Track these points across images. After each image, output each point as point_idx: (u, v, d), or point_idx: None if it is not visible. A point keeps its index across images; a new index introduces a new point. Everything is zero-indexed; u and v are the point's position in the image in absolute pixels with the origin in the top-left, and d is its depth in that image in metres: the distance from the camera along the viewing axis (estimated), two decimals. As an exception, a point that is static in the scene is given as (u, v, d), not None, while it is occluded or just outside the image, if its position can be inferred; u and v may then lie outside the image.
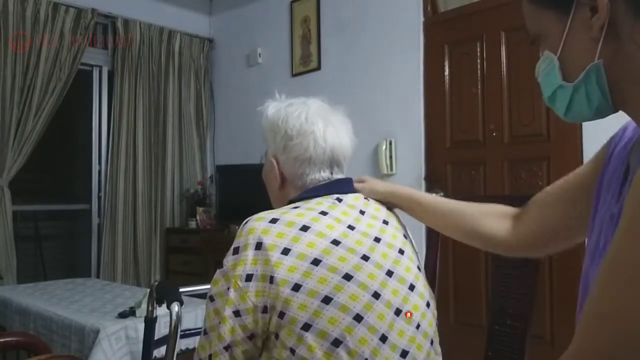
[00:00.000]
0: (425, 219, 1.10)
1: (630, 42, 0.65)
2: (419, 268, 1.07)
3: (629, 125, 0.79)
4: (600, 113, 0.72)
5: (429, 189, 3.31)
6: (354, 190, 1.11)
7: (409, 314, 0.99)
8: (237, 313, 0.94)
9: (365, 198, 1.12)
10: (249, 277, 0.94)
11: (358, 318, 0.92)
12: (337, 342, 0.90)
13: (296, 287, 0.91)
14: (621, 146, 0.77)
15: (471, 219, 1.01)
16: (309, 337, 0.90)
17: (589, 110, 0.71)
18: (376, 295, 0.95)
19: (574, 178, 0.90)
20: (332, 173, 1.10)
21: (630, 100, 0.68)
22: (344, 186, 1.10)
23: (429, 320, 1.03)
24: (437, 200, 1.08)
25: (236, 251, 0.97)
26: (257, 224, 0.98)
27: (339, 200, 1.06)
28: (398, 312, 0.97)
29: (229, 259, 0.98)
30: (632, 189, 0.54)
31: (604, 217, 0.72)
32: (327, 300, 0.91)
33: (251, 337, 0.96)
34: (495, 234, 0.98)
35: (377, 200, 1.13)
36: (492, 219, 0.99)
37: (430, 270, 1.34)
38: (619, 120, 0.78)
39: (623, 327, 0.50)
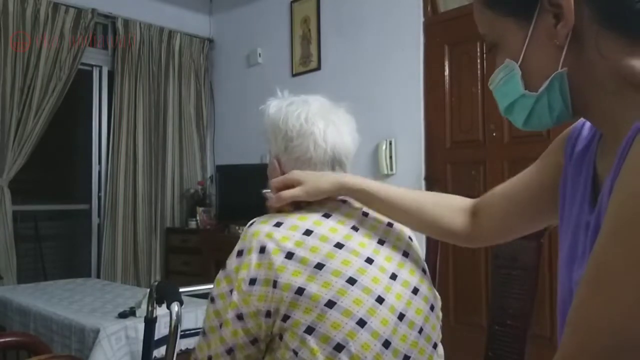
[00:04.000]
0: (382, 211, 1.05)
1: (593, 50, 0.64)
2: (424, 270, 1.06)
3: (584, 125, 0.78)
4: (560, 120, 0.71)
5: (429, 188, 3.31)
6: None
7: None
8: (240, 317, 0.94)
9: None
10: (252, 281, 0.93)
11: (361, 323, 0.91)
12: (339, 347, 0.89)
13: (300, 291, 0.91)
14: (580, 148, 0.76)
15: (430, 215, 1.00)
16: (312, 340, 0.89)
17: (549, 118, 0.70)
18: (380, 300, 0.94)
19: (527, 178, 0.90)
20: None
21: (591, 106, 0.68)
22: None
23: (432, 323, 1.02)
24: (392, 193, 1.02)
25: (240, 254, 0.97)
26: (261, 227, 0.97)
27: (343, 201, 1.05)
28: (401, 316, 0.96)
29: (232, 261, 0.97)
30: (616, 193, 0.54)
31: (577, 225, 0.71)
32: (330, 304, 0.90)
33: (254, 341, 0.95)
34: (455, 229, 0.99)
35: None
36: (450, 214, 1.00)
37: (430, 271, 1.33)
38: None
39: (612, 332, 0.50)
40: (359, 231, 1.01)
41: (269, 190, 1.06)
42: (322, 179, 1.02)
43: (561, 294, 0.73)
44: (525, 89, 0.70)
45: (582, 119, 0.78)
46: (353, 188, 1.02)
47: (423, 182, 3.36)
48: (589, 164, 0.73)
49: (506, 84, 0.72)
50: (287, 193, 1.01)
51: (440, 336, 1.05)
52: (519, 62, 0.69)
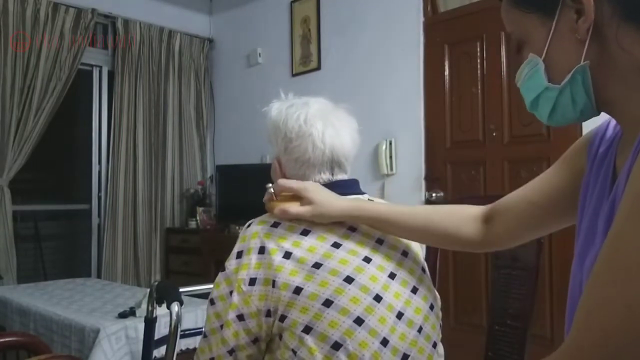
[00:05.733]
0: (396, 233, 1.04)
1: (614, 44, 0.66)
2: (423, 270, 1.07)
3: (608, 126, 0.79)
4: (584, 115, 0.72)
5: (429, 189, 3.32)
6: (356, 192, 1.10)
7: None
8: (240, 317, 0.94)
9: (369, 199, 1.10)
10: (252, 281, 0.94)
11: (359, 321, 0.91)
12: (337, 345, 0.90)
13: (297, 291, 0.91)
14: (603, 150, 0.77)
15: (444, 230, 0.99)
16: (310, 340, 0.90)
17: (573, 112, 0.71)
18: (377, 299, 0.94)
19: (547, 181, 0.90)
20: (332, 174, 1.09)
21: (614, 101, 0.69)
22: (345, 187, 1.08)
23: (432, 323, 1.02)
24: (404, 214, 1.00)
25: (239, 255, 0.97)
26: (260, 228, 0.98)
27: None
28: (400, 315, 0.96)
29: (231, 263, 0.98)
30: (633, 179, 0.55)
31: (594, 217, 0.72)
32: (327, 303, 0.91)
33: (255, 341, 0.96)
34: (467, 237, 0.98)
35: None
36: (461, 223, 0.98)
37: (430, 271, 1.33)
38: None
39: (628, 313, 0.50)
40: (356, 231, 1.01)
41: (271, 186, 1.05)
42: (333, 205, 0.99)
43: (572, 289, 0.74)
44: (549, 83, 0.71)
45: (604, 122, 0.79)
46: (363, 216, 1.00)
47: (423, 182, 3.36)
48: (610, 161, 0.74)
49: (531, 78, 0.74)
50: (293, 210, 0.99)
51: (440, 335, 1.05)
52: (543, 57, 0.71)
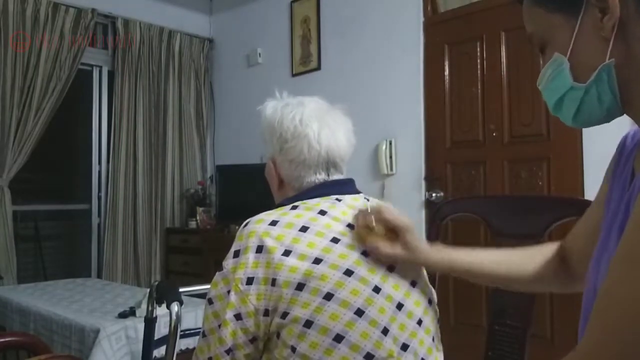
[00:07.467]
0: (488, 284, 1.06)
1: (638, 44, 0.65)
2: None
3: (627, 137, 0.79)
4: (610, 114, 0.71)
5: (429, 189, 3.32)
6: (353, 191, 1.10)
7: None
8: (238, 316, 0.94)
9: (365, 198, 1.11)
10: (249, 280, 0.94)
11: (359, 313, 0.92)
12: (338, 338, 0.90)
13: (299, 287, 0.92)
14: (623, 160, 0.77)
15: (538, 276, 0.96)
16: (311, 334, 0.90)
17: (600, 111, 0.70)
18: (376, 290, 0.95)
19: (593, 208, 0.88)
20: (328, 175, 1.09)
21: (636, 101, 0.68)
22: (342, 187, 1.09)
23: (431, 317, 1.03)
24: (489, 265, 0.98)
25: (236, 254, 0.97)
26: (257, 227, 0.98)
27: (338, 200, 1.06)
28: (400, 306, 0.97)
29: (229, 262, 0.98)
30: None
31: (612, 222, 0.72)
32: (328, 297, 0.91)
33: (253, 340, 0.96)
34: (558, 281, 0.96)
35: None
36: (549, 267, 0.95)
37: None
38: (619, 120, 0.78)
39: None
40: (353, 227, 1.02)
41: (370, 209, 0.98)
42: (428, 256, 0.99)
43: (586, 293, 0.73)
44: (575, 82, 0.70)
45: (624, 135, 0.79)
46: (457, 270, 1.01)
47: (423, 182, 3.36)
48: (629, 167, 0.74)
49: (555, 79, 0.72)
50: (387, 252, 0.96)
51: (439, 333, 1.06)
52: (568, 56, 0.70)
